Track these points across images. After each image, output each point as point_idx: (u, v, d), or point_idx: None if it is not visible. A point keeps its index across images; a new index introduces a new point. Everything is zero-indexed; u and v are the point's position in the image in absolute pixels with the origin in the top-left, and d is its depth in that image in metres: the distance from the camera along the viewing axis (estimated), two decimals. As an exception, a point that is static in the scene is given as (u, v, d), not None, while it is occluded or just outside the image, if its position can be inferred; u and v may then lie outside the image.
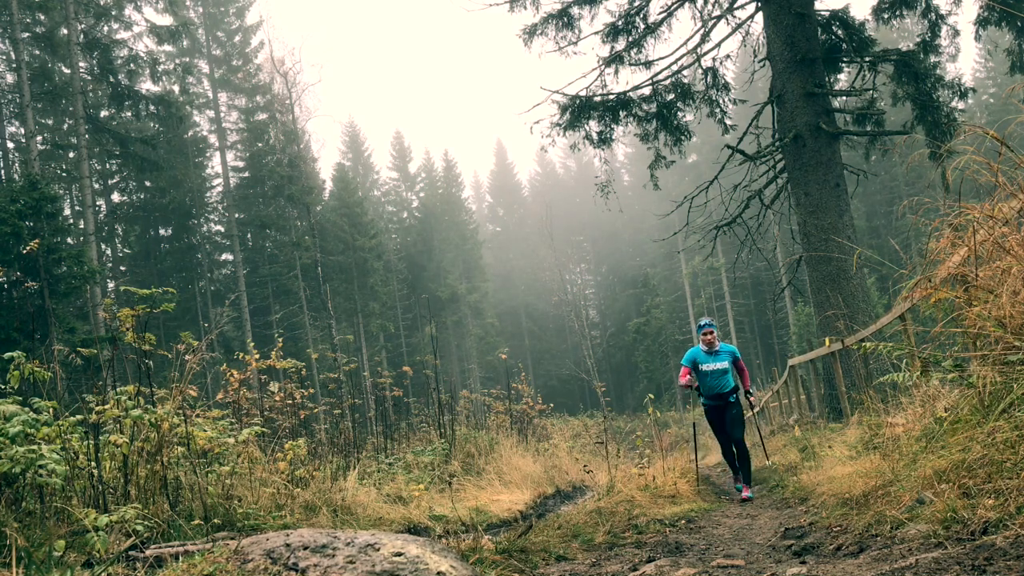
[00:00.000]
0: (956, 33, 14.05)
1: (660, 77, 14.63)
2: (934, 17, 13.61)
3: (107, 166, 33.68)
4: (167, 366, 5.76)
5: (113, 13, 26.00)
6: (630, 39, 14.60)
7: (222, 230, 39.16)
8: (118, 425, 4.88)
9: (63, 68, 25.77)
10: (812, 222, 12.28)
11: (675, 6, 14.50)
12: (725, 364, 8.21)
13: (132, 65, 26.13)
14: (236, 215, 37.39)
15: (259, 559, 2.84)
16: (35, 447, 4.00)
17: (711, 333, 8.29)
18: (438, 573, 2.74)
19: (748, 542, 4.55)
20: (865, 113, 13.83)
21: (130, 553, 3.44)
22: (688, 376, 8.35)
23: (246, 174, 39.36)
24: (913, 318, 6.83)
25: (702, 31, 14.50)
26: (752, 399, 8.72)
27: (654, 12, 14.64)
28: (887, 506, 3.75)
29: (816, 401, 13.78)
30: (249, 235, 39.46)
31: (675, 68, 14.70)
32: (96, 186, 31.78)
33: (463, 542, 4.22)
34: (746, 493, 7.77)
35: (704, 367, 8.26)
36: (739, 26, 14.69)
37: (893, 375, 5.92)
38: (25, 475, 3.98)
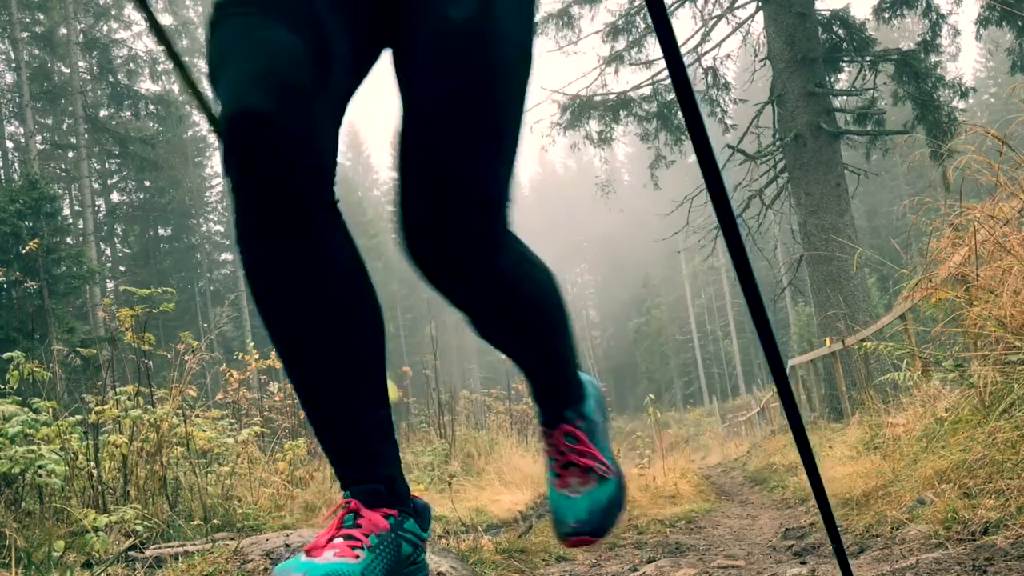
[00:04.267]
0: (957, 33, 14.06)
1: (660, 77, 14.64)
2: (935, 17, 13.61)
3: (106, 166, 33.68)
4: (167, 366, 5.75)
5: (112, 13, 26.03)
6: (630, 39, 14.61)
7: (222, 230, 39.16)
8: (117, 425, 4.87)
9: (63, 68, 25.77)
10: (813, 222, 12.27)
11: (675, 6, 14.49)
12: None
13: (131, 65, 26.16)
14: (236, 215, 37.36)
15: (259, 559, 2.83)
16: (34, 447, 4.00)
17: None
18: (438, 573, 2.74)
19: (748, 542, 4.54)
20: (866, 113, 13.83)
21: (129, 553, 3.43)
22: None
23: (246, 174, 39.33)
24: (914, 318, 6.82)
25: (702, 31, 14.50)
26: None
27: (654, 12, 14.64)
28: (887, 506, 3.75)
29: (816, 401, 13.77)
30: (249, 235, 39.40)
31: (675, 68, 14.69)
32: (95, 186, 31.76)
33: (463, 542, 4.21)
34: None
35: None
36: (739, 26, 14.69)
37: (894, 375, 5.92)
38: (24, 475, 3.98)
